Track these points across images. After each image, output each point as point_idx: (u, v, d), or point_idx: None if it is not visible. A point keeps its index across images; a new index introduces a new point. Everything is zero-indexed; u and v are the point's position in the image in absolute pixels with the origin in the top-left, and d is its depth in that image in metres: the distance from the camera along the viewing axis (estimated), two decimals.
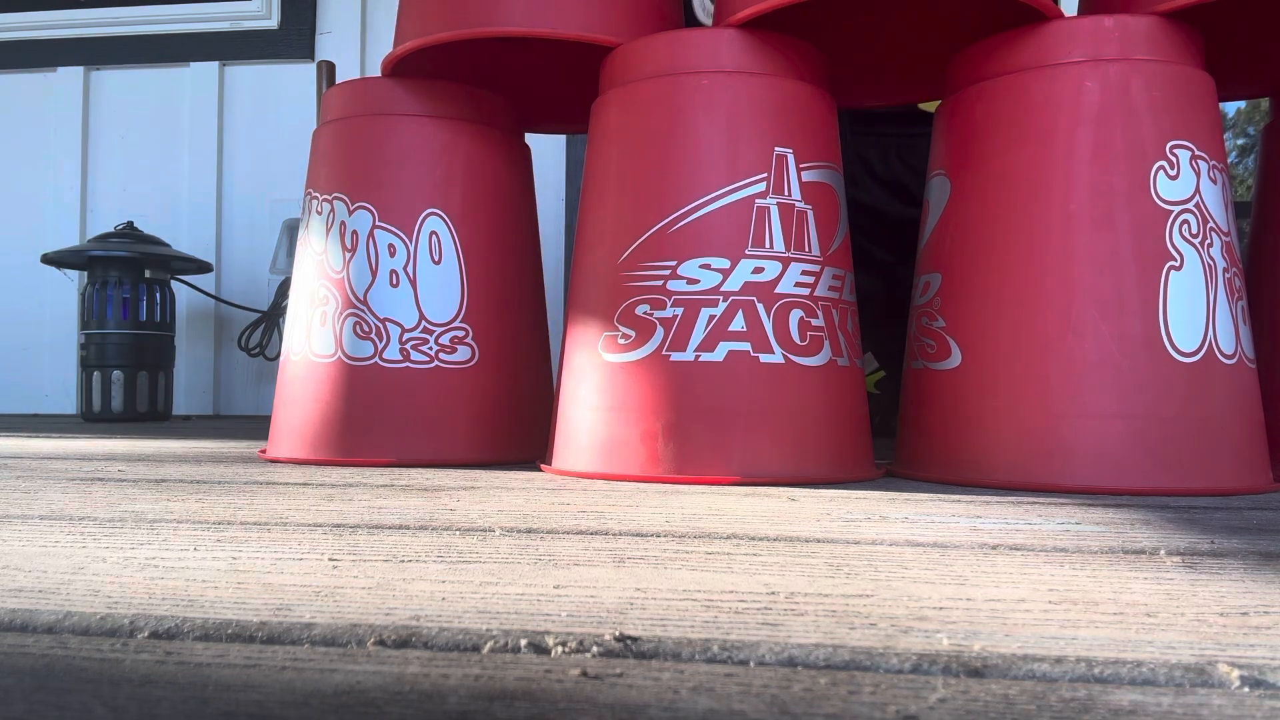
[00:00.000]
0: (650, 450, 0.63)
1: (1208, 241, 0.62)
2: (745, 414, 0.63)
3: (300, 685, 0.21)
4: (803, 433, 0.64)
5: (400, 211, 0.78)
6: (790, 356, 0.64)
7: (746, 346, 0.63)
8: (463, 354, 0.78)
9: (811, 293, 0.65)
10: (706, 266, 0.64)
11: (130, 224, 1.71)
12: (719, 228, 0.64)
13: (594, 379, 0.67)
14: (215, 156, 2.16)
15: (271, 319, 2.00)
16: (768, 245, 0.65)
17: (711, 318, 0.63)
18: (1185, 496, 0.57)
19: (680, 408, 0.63)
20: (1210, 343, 0.60)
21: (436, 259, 0.78)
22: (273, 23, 2.15)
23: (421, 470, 0.69)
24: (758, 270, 0.64)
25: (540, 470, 0.71)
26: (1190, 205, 0.62)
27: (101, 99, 2.20)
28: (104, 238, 1.66)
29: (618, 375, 0.65)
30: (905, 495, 0.56)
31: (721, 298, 0.64)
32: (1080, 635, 0.25)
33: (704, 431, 0.63)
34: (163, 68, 2.17)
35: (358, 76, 2.11)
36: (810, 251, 0.66)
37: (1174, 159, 0.62)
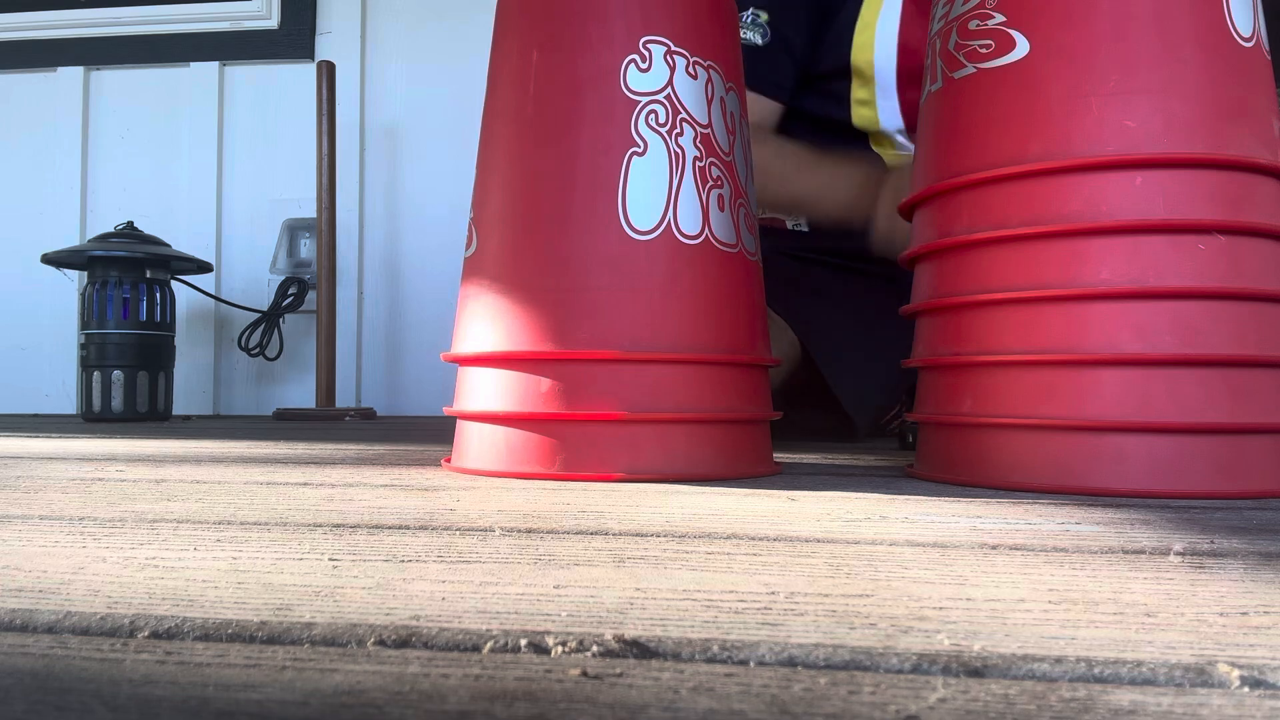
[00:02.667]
0: None
1: (677, 131, 0.61)
2: None
3: (300, 685, 0.21)
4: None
5: None
6: None
7: None
8: None
9: None
10: None
11: (130, 224, 1.71)
12: None
13: None
14: (215, 156, 2.16)
15: (271, 319, 2.00)
16: None
17: None
18: (1185, 498, 0.57)
19: None
20: None
21: None
22: (273, 23, 2.15)
23: (421, 470, 0.69)
24: None
25: None
26: (660, 97, 0.61)
27: (101, 99, 2.20)
28: (104, 238, 1.66)
29: None
30: (905, 495, 0.56)
31: None
32: (1080, 635, 0.25)
33: None
34: (163, 68, 2.17)
35: (357, 76, 2.11)
36: None
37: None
